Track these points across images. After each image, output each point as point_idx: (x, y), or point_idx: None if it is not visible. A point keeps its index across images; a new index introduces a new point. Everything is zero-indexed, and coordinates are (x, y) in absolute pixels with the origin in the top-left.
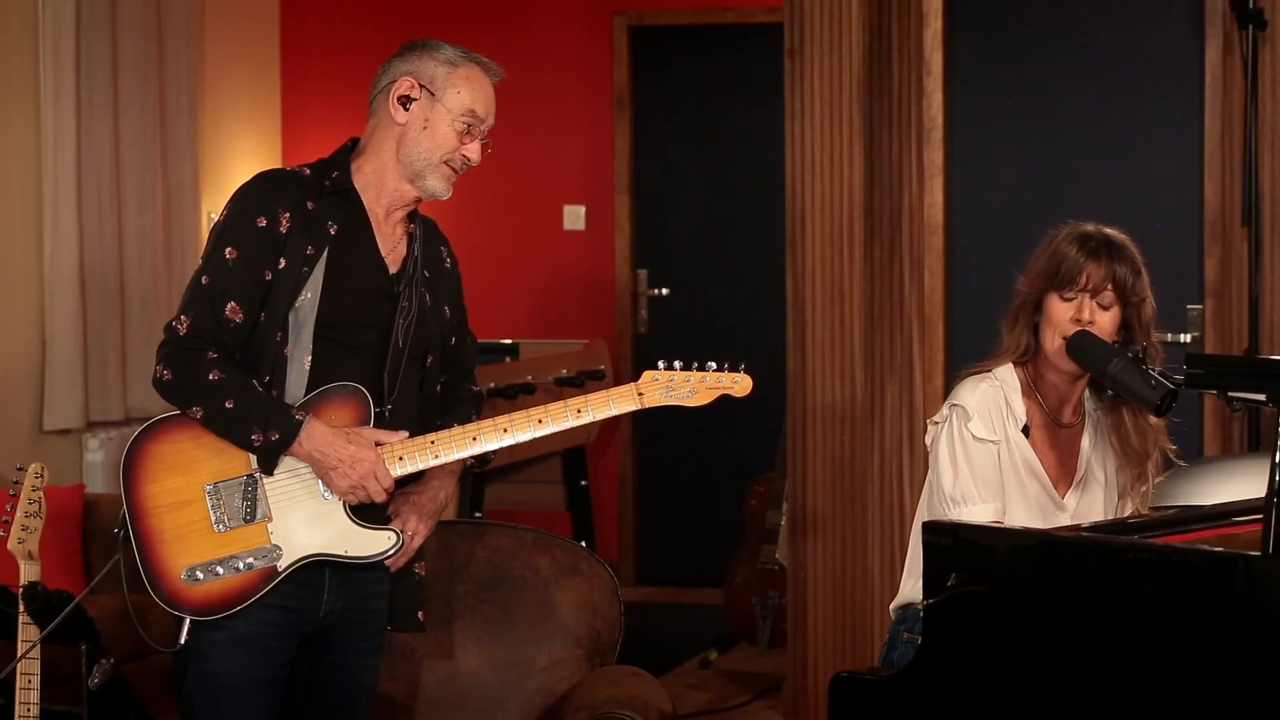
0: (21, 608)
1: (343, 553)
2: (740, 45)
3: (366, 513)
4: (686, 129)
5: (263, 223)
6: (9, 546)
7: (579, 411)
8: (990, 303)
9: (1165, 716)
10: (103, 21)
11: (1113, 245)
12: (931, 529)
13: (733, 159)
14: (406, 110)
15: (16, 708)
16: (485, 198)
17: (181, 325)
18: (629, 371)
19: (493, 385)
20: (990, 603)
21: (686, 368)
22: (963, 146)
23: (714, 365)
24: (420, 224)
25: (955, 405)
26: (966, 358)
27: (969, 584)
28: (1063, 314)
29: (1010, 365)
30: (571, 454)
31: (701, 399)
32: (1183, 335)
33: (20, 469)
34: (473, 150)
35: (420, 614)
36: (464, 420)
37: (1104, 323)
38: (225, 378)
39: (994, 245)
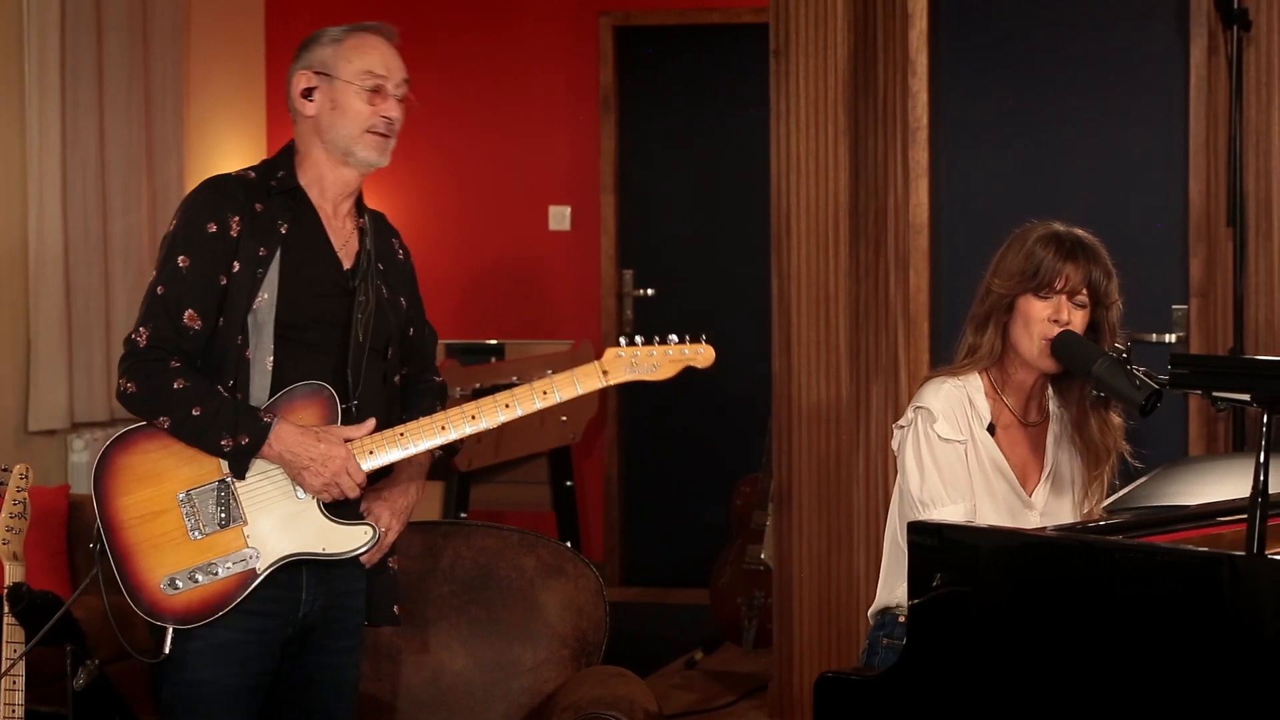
0: (7, 609)
1: (320, 550)
2: (726, 45)
3: (340, 509)
4: (672, 129)
5: (213, 228)
6: None
7: (545, 394)
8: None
9: (1151, 716)
10: (88, 21)
11: (1088, 247)
12: (917, 529)
13: (718, 159)
14: (312, 101)
15: (2, 708)
16: (471, 198)
17: (141, 337)
18: None
19: (478, 386)
20: (976, 603)
21: (649, 342)
22: (948, 147)
23: (675, 338)
24: (370, 217)
25: (920, 408)
26: (952, 357)
27: (954, 584)
28: (1040, 314)
29: (973, 364)
30: (557, 454)
31: (666, 372)
32: (1168, 335)
33: (5, 470)
34: (389, 108)
35: (395, 608)
36: (429, 412)
37: (1077, 323)
38: (190, 385)
39: (979, 245)
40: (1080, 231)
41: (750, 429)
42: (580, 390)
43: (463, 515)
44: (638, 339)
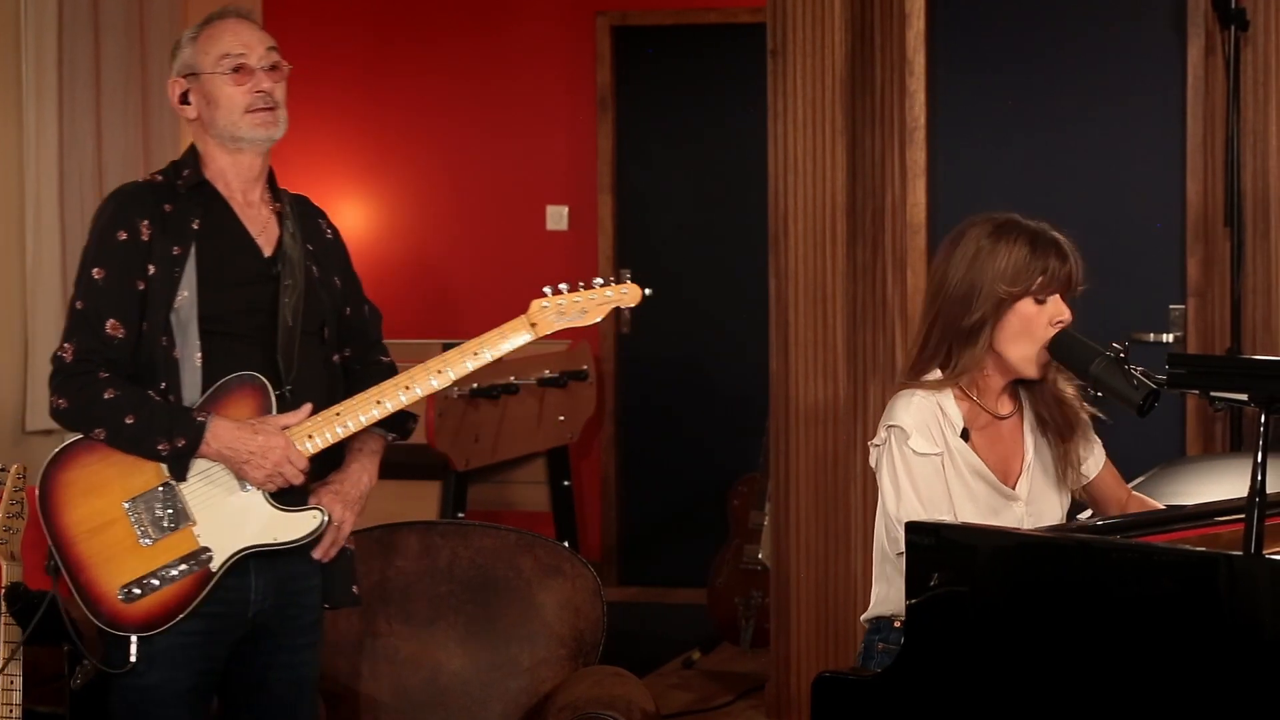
0: (4, 608)
1: (272, 540)
2: (723, 45)
3: (287, 496)
4: (670, 129)
5: (123, 236)
6: None
7: (476, 354)
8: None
9: (1148, 716)
10: (85, 21)
11: (1067, 241)
12: (915, 529)
13: (716, 159)
14: (189, 104)
15: (0, 708)
16: (468, 198)
17: (67, 353)
18: (613, 372)
19: (475, 386)
20: (973, 602)
21: (574, 289)
22: (945, 147)
23: (600, 280)
24: (290, 201)
25: (892, 426)
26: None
27: (952, 584)
28: (1038, 318)
29: (938, 371)
30: (555, 454)
31: (594, 315)
32: (1165, 335)
33: (2, 469)
34: (260, 82)
35: (355, 588)
36: None
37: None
38: (120, 395)
39: None
40: (1045, 223)
41: (748, 429)
42: (510, 345)
43: (460, 515)
44: (563, 286)
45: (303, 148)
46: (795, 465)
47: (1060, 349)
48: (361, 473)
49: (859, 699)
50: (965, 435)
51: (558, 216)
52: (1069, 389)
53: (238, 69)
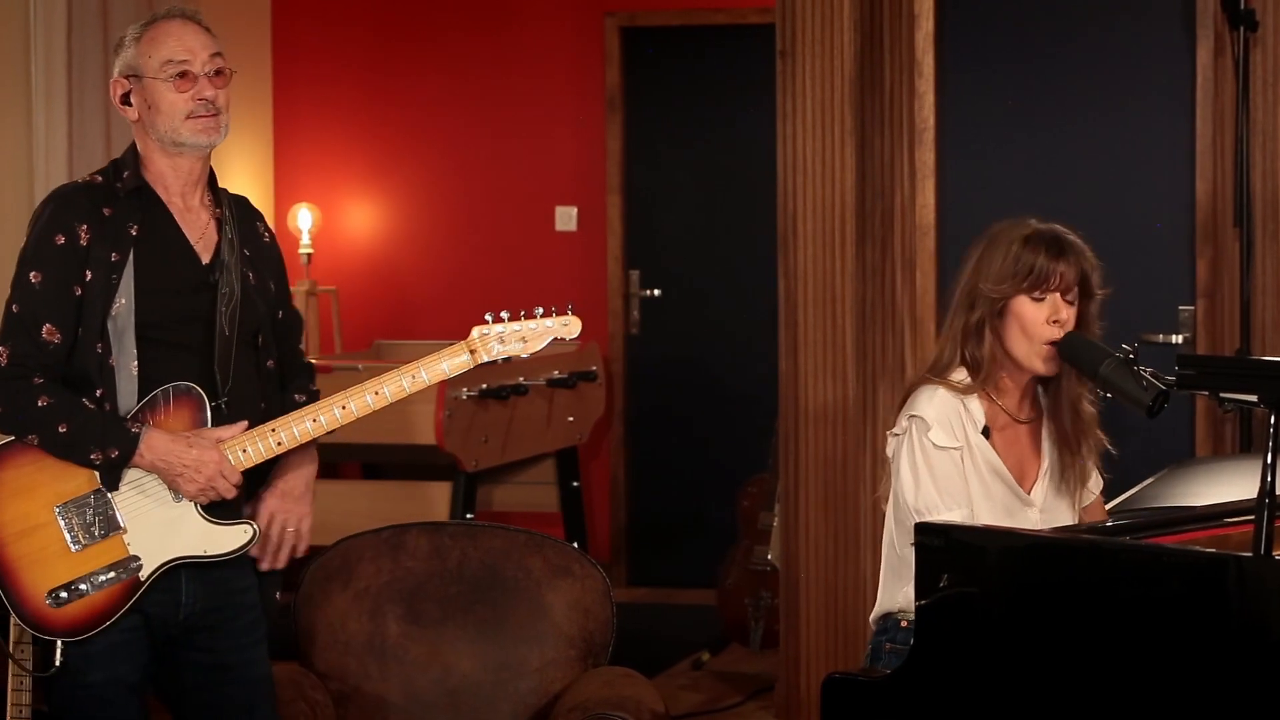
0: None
1: (202, 552)
2: (732, 46)
3: (219, 509)
4: (678, 130)
5: (61, 240)
6: None
7: (414, 378)
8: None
9: (1157, 716)
10: (94, 22)
11: (1074, 242)
12: (924, 530)
13: (725, 160)
14: (130, 105)
15: (10, 710)
16: (477, 199)
17: (1, 357)
18: (622, 373)
19: (485, 386)
20: (982, 603)
21: (515, 318)
22: (954, 148)
23: (541, 310)
24: (230, 204)
25: (914, 416)
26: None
27: (961, 585)
28: (1035, 316)
29: (964, 370)
30: (564, 455)
31: (533, 345)
32: (1174, 336)
33: None
34: (203, 89)
35: (277, 594)
36: (303, 390)
37: (1070, 320)
38: (54, 402)
39: None
40: (1059, 226)
41: (756, 429)
42: (449, 372)
43: (469, 516)
44: (504, 314)
45: (311, 148)
46: (804, 466)
47: (1069, 350)
48: (301, 464)
49: (868, 700)
50: (986, 433)
51: (566, 217)
52: (1089, 408)
53: (181, 75)
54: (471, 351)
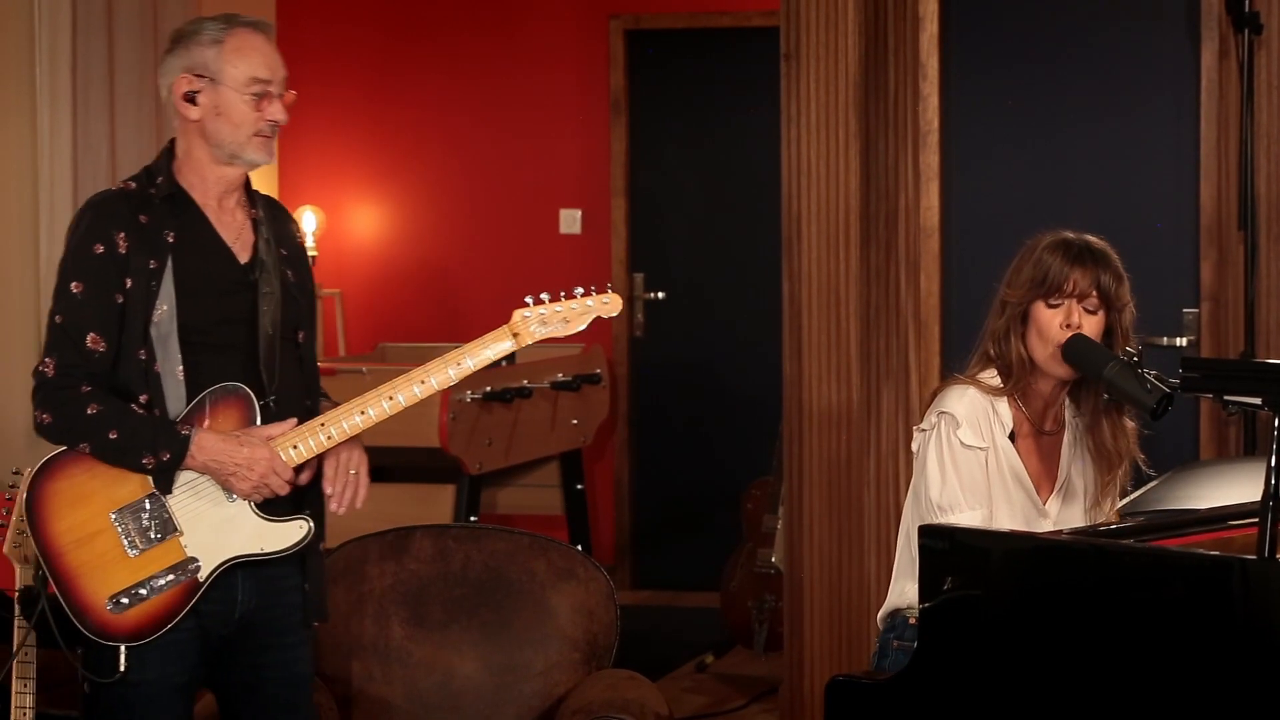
0: (18, 611)
1: (259, 550)
2: (736, 49)
3: (273, 506)
4: (683, 132)
5: (100, 249)
6: (4, 550)
7: (459, 363)
8: (986, 306)
9: (1162, 719)
10: (99, 24)
11: (1096, 251)
12: (928, 532)
13: (729, 163)
14: (195, 105)
15: (13, 711)
16: (481, 201)
17: (48, 368)
18: (626, 375)
19: (489, 389)
20: (986, 606)
21: (555, 299)
22: (959, 150)
23: (581, 290)
24: (263, 205)
25: (944, 413)
26: (963, 361)
27: (965, 587)
28: (1051, 321)
29: (995, 373)
30: (568, 458)
31: (575, 324)
32: (1179, 339)
33: (16, 473)
34: (275, 112)
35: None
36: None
37: (1090, 328)
38: (103, 409)
39: (990, 249)
40: (1090, 237)
41: (761, 432)
42: (492, 355)
43: (473, 519)
44: (544, 295)
45: (316, 150)
46: (808, 468)
47: (1073, 354)
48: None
49: (872, 703)
50: (1012, 438)
51: (571, 220)
52: (1130, 423)
53: (261, 95)
54: (515, 335)
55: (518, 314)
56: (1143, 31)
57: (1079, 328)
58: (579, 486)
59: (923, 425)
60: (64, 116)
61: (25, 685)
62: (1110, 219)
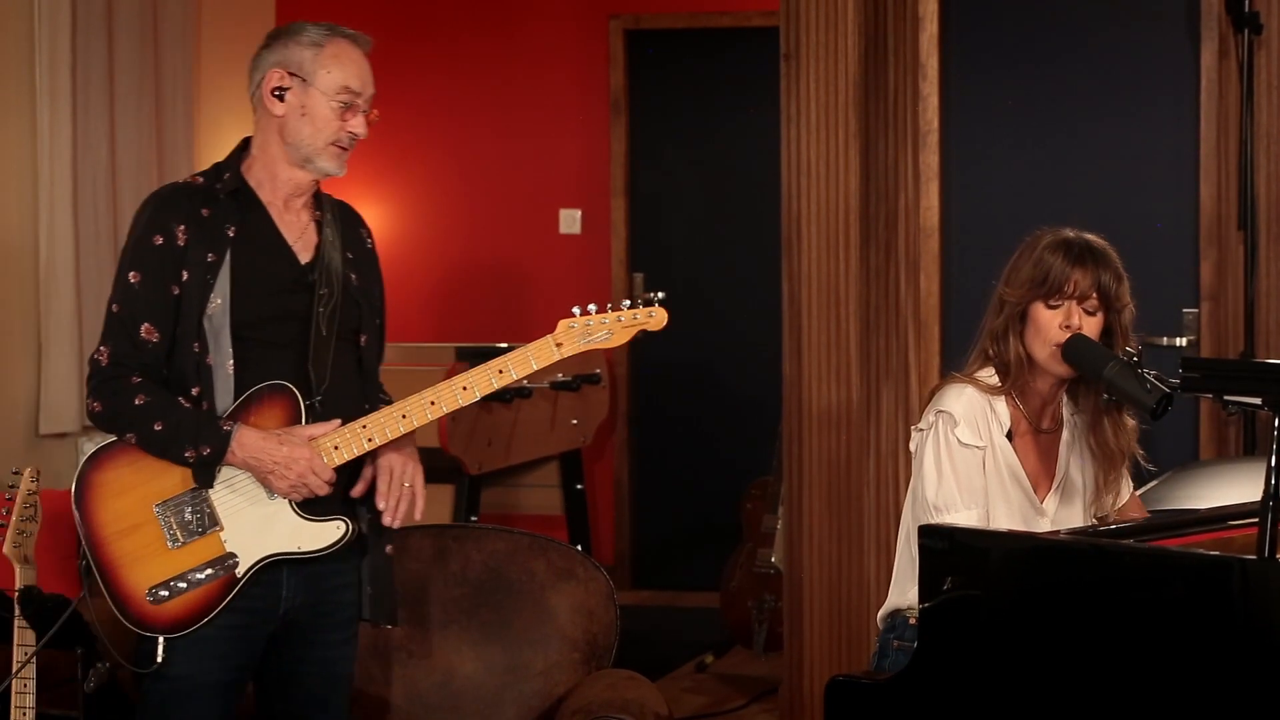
0: (18, 612)
1: (296, 549)
2: (736, 49)
3: (314, 506)
4: (683, 132)
5: (159, 240)
6: (4, 550)
7: (501, 372)
8: (986, 306)
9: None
10: (99, 24)
11: (1096, 252)
12: (928, 533)
13: (729, 163)
14: (282, 101)
15: (13, 711)
16: (481, 201)
17: (103, 356)
18: (625, 375)
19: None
20: (986, 606)
21: (602, 310)
22: (958, 150)
23: (628, 303)
24: (331, 208)
25: (942, 411)
26: (962, 361)
27: (965, 587)
28: (1050, 321)
29: (992, 371)
30: (568, 458)
31: (620, 338)
32: (1178, 339)
33: (16, 473)
34: (357, 125)
35: (398, 610)
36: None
37: (1089, 329)
38: (151, 401)
39: (990, 249)
40: (1090, 236)
41: (760, 432)
42: (535, 366)
43: (473, 519)
44: (591, 307)
45: None
46: (808, 468)
47: (1073, 354)
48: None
49: (872, 703)
50: (1009, 437)
51: (570, 220)
52: (1130, 421)
53: (349, 105)
54: (558, 345)
55: (563, 324)
56: (1143, 32)
57: (1078, 328)
58: (579, 486)
59: (921, 424)
60: (64, 116)
61: (26, 685)
62: (1110, 219)
